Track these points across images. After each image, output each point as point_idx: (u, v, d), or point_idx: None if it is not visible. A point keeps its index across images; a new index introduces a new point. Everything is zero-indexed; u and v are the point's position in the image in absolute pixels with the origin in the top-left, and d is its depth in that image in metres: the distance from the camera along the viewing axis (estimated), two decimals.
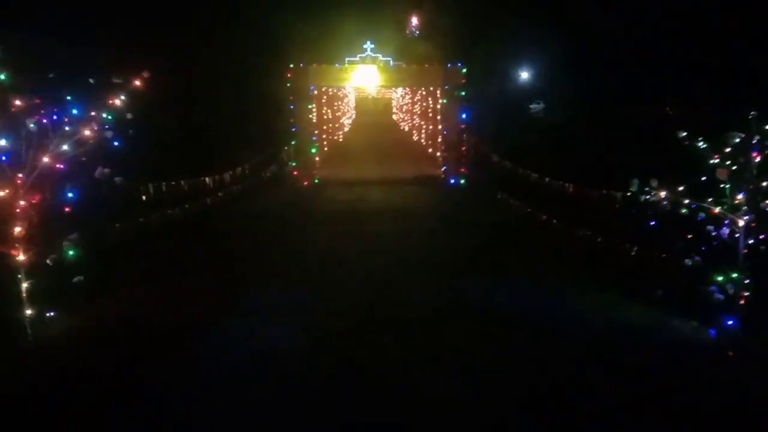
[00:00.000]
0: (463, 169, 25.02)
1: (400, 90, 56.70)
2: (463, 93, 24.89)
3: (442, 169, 25.91)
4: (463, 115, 25.09)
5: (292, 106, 24.67)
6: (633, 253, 11.96)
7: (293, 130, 25.09)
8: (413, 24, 46.72)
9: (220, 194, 19.32)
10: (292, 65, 24.26)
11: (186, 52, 21.90)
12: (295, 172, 25.15)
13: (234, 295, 11.05)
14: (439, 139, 30.61)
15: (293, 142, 25.51)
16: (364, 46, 30.37)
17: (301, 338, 9.24)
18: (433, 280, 12.00)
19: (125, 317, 9.85)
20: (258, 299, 10.90)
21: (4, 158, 8.76)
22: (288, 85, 24.41)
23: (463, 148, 25.18)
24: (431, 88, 32.17)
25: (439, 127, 30.65)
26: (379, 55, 27.06)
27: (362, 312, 10.31)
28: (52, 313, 9.04)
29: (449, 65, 24.95)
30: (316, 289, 11.40)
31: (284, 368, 8.33)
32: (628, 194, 10.04)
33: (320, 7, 35.34)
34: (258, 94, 27.27)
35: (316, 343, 9.13)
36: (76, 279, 8.96)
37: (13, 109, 8.85)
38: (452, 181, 24.89)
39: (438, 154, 30.90)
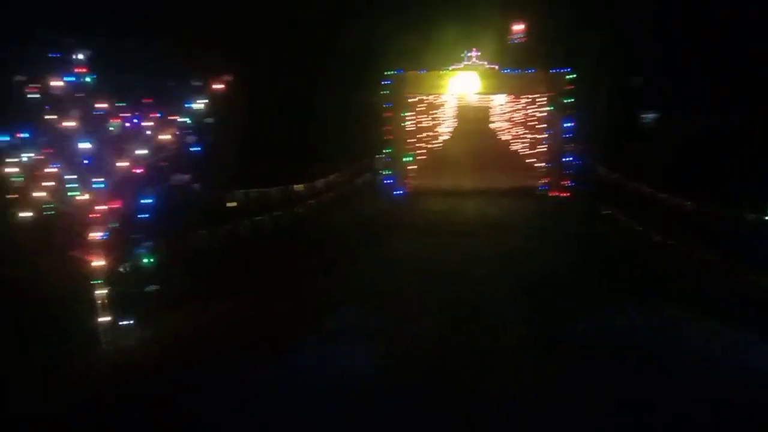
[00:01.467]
0: (565, 181, 23.44)
1: (501, 98, 55.21)
2: (568, 100, 23.35)
3: (543, 180, 24.43)
4: (568, 124, 23.52)
5: (388, 114, 24.09)
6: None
7: (388, 138, 24.51)
8: (515, 30, 45.18)
9: (311, 202, 19.00)
10: (388, 72, 23.69)
11: (278, 58, 21.84)
12: (388, 181, 24.56)
13: (317, 312, 10.39)
14: (540, 149, 29.14)
15: (388, 151, 24.93)
16: (463, 54, 29.42)
17: (384, 365, 8.40)
18: (530, 303, 10.84)
19: (198, 331, 9.41)
20: (342, 317, 10.18)
21: (86, 162, 8.59)
22: (384, 92, 23.87)
23: (567, 159, 23.59)
24: (533, 96, 30.76)
25: (540, 136, 29.22)
26: (482, 63, 26.07)
27: (452, 337, 9.32)
28: (124, 323, 8.75)
29: (553, 71, 23.51)
30: (404, 309, 10.52)
31: (363, 399, 7.50)
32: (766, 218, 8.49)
33: (419, 14, 34.75)
34: (353, 101, 26.95)
35: (401, 371, 8.24)
36: (148, 288, 8.63)
37: (95, 113, 8.69)
38: (554, 194, 23.37)
39: (538, 164, 29.39)
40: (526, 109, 34.15)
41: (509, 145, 43.40)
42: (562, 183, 23.41)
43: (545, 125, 25.85)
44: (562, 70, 23.36)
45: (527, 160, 33.08)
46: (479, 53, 29.12)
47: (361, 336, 9.41)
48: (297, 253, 14.23)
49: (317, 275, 12.57)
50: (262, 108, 19.04)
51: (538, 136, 29.94)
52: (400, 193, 23.88)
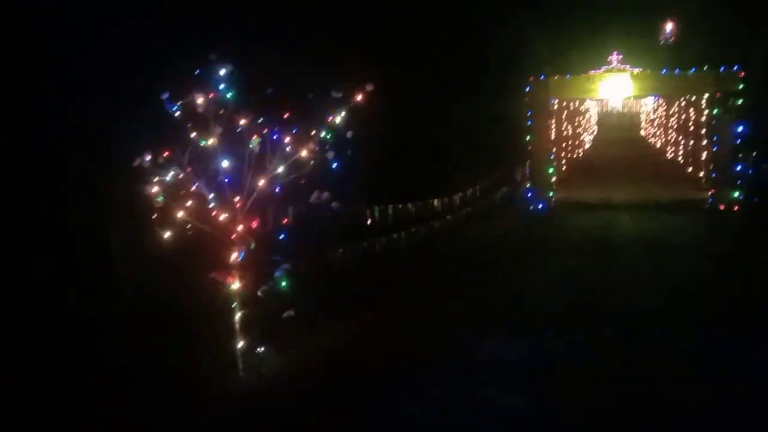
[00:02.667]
0: (737, 194, 20.68)
1: (649, 102, 51.26)
2: (740, 102, 20.62)
3: (710, 193, 21.77)
4: (740, 129, 20.74)
5: (529, 122, 22.67)
6: None
7: (528, 148, 23.07)
8: (668, 30, 41.66)
9: (448, 217, 18.15)
10: (532, 77, 22.29)
11: (416, 65, 21.23)
12: (529, 194, 23.12)
13: (458, 338, 9.43)
14: (704, 157, 26.20)
15: (528, 162, 23.51)
16: (610, 58, 27.35)
17: (545, 409, 7.26)
18: (705, 347, 8.97)
19: (335, 355, 8.81)
20: (485, 345, 9.13)
21: (226, 180, 8.30)
22: (526, 99, 22.50)
23: (738, 168, 20.81)
24: (693, 98, 27.82)
25: (704, 142, 26.28)
26: (627, 66, 24.04)
27: (610, 390, 7.84)
28: (262, 349, 8.33)
29: (722, 69, 20.88)
30: (546, 344, 9.21)
31: None
32: None
33: (558, 16, 32.94)
34: (491, 109, 25.79)
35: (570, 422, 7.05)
36: (286, 314, 8.16)
37: (237, 129, 8.39)
38: (723, 207, 20.70)
39: (702, 174, 26.43)
40: (685, 113, 31.09)
41: (664, 153, 40.00)
42: (732, 196, 20.66)
43: (710, 131, 23.09)
44: (733, 69, 20.67)
45: (687, 170, 30.06)
46: (621, 56, 26.96)
47: (510, 369, 8.32)
48: (434, 271, 13.39)
49: (456, 295, 11.65)
50: (400, 119, 18.52)
51: (700, 143, 27.04)
52: (541, 207, 22.33)
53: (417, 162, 18.34)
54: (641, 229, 17.95)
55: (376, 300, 10.99)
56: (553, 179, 23.53)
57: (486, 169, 23.00)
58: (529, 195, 23.02)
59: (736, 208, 20.41)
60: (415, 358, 8.62)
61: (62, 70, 10.75)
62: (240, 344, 8.34)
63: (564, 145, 30.81)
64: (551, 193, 23.05)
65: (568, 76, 22.56)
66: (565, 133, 31.08)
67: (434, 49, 25.27)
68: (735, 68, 20.69)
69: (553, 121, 23.92)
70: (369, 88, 8.37)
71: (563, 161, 29.96)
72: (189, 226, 8.30)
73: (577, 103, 33.97)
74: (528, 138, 22.76)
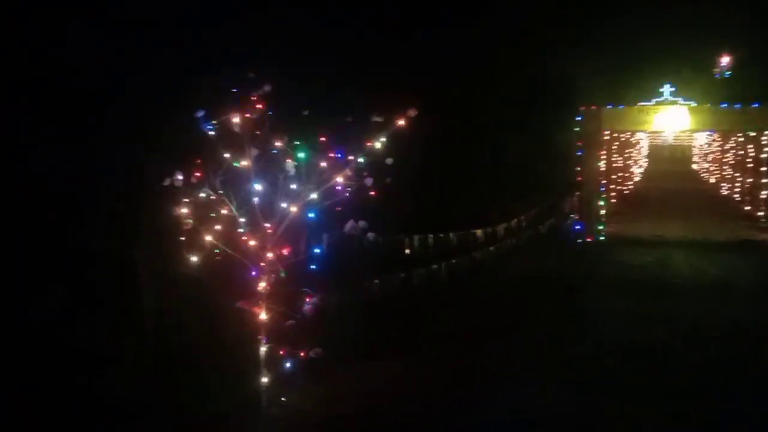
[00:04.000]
0: None
1: (702, 136, 49.51)
2: None
3: None
4: None
5: (579, 153, 21.81)
6: None
7: (578, 179, 22.17)
8: (723, 63, 40.26)
9: (491, 248, 17.38)
10: (583, 107, 21.48)
11: (460, 93, 20.67)
12: (577, 227, 22.16)
13: (496, 389, 8.63)
14: (765, 195, 24.84)
15: (577, 193, 22.58)
16: (661, 90, 26.48)
17: None
18: None
19: (358, 402, 8.09)
20: (528, 400, 8.30)
21: (256, 204, 7.87)
22: (576, 129, 21.68)
23: None
24: (752, 134, 26.51)
25: (764, 180, 24.94)
26: (679, 99, 23.07)
27: None
28: (284, 387, 7.77)
29: None
30: (610, 399, 8.35)
31: None
32: None
33: (611, 47, 32.10)
34: (539, 139, 25.02)
35: None
36: (313, 352, 7.60)
37: (273, 151, 7.98)
38: None
39: (761, 213, 25.03)
40: (743, 149, 29.69)
41: (718, 188, 38.34)
42: None
43: None
44: None
45: (744, 208, 28.60)
46: (674, 88, 26.06)
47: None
48: (473, 309, 12.65)
49: (495, 337, 10.88)
50: (444, 147, 17.96)
51: (759, 180, 25.68)
52: (590, 242, 21.34)
53: (460, 191, 17.69)
54: (699, 270, 16.82)
55: (411, 340, 10.30)
56: (603, 212, 22.52)
57: (534, 199, 22.14)
58: (578, 227, 22.08)
59: None
60: (448, 411, 7.89)
61: (94, 85, 10.59)
62: (264, 380, 7.82)
63: (614, 177, 29.75)
64: (601, 227, 22.04)
65: (621, 107, 21.67)
66: (615, 164, 30.03)
67: (485, 76, 24.78)
68: None
69: (604, 152, 23.00)
70: (412, 113, 7.85)
71: (613, 194, 28.90)
72: (217, 251, 7.89)
73: (628, 135, 32.88)
74: (578, 169, 21.88)
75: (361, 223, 8.15)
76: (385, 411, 7.75)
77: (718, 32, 33.77)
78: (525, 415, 7.77)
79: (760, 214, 25.14)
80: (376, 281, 11.64)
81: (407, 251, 13.53)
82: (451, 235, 15.37)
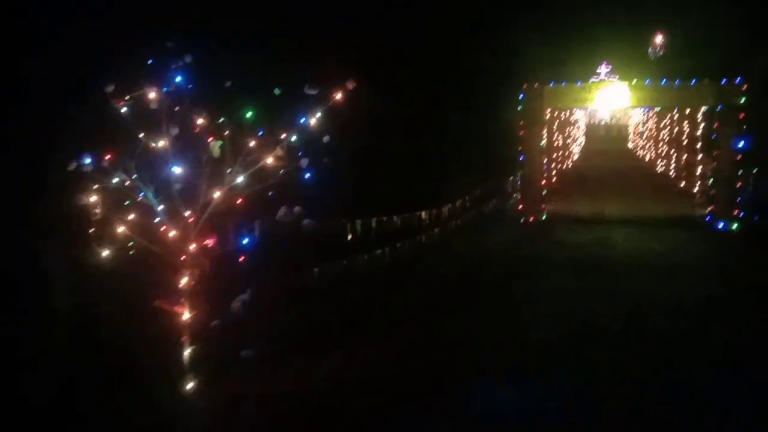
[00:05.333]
0: (736, 211, 19.72)
1: (637, 114, 50.64)
2: (742, 115, 19.67)
3: (708, 209, 20.81)
4: (741, 143, 19.79)
5: (521, 132, 21.57)
6: None
7: (520, 158, 21.96)
8: (658, 42, 41.07)
9: (436, 230, 16.92)
10: (525, 85, 21.20)
11: (399, 71, 19.96)
12: (520, 206, 22.01)
13: (444, 382, 8.07)
14: (699, 172, 25.34)
15: (519, 172, 22.41)
16: (599, 69, 26.57)
17: None
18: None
19: (302, 399, 7.37)
20: (479, 391, 7.77)
21: (177, 190, 7.00)
22: (519, 108, 21.40)
23: (739, 185, 19.85)
24: (687, 111, 27.00)
25: (699, 157, 25.43)
26: (616, 77, 23.24)
27: None
28: (213, 391, 6.98)
29: (724, 81, 19.93)
30: (541, 391, 7.88)
31: None
32: None
33: (550, 26, 32.13)
34: (482, 118, 24.70)
35: None
36: (244, 353, 6.84)
37: (191, 131, 7.11)
38: (721, 225, 19.72)
39: (696, 190, 25.55)
40: (678, 126, 30.27)
41: (654, 166, 39.21)
42: (732, 213, 19.68)
43: (708, 144, 22.19)
44: (735, 81, 19.74)
45: (680, 185, 29.20)
46: (611, 66, 26.23)
47: (510, 421, 7.04)
48: (418, 294, 12.11)
49: (443, 324, 10.37)
50: (384, 125, 17.23)
51: (695, 157, 26.20)
52: (533, 221, 21.23)
53: (404, 172, 17.09)
54: (638, 247, 16.86)
55: (354, 330, 9.63)
56: (545, 191, 22.45)
57: (476, 179, 21.81)
58: (520, 207, 21.95)
59: (735, 226, 19.44)
60: (396, 405, 7.30)
61: None
62: (189, 386, 7.03)
63: (555, 155, 29.85)
64: (542, 205, 21.97)
65: (563, 84, 21.52)
66: (556, 143, 30.13)
67: (424, 54, 24.14)
68: (737, 81, 19.77)
69: (546, 130, 22.87)
70: (350, 86, 7.11)
71: (554, 172, 28.99)
72: (132, 243, 7.00)
73: (567, 113, 33.08)
74: (520, 148, 21.66)
75: (297, 209, 7.40)
76: (324, 406, 7.07)
77: (654, 13, 34.30)
78: (476, 407, 7.26)
79: (695, 190, 25.67)
80: (316, 270, 10.91)
81: (349, 237, 12.85)
82: (394, 218, 14.79)
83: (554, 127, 28.38)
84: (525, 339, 9.59)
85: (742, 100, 19.61)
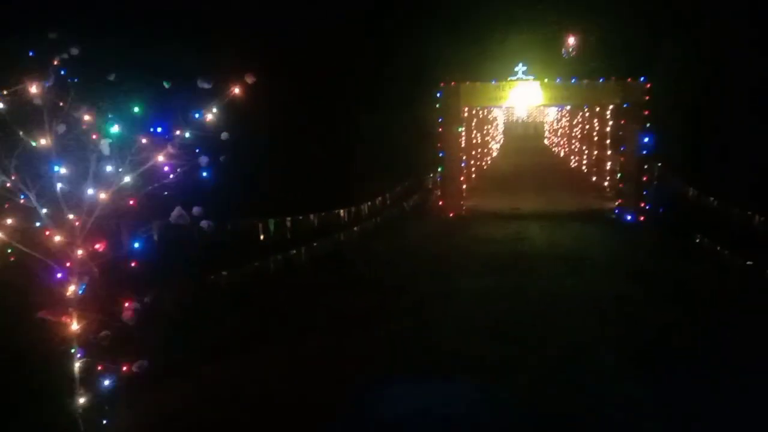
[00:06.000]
0: (642, 204, 20.61)
1: (552, 112, 52.39)
2: (646, 112, 20.57)
3: (616, 203, 21.65)
4: (645, 139, 20.69)
5: (439, 129, 21.75)
6: None
7: (440, 155, 22.15)
8: (571, 43, 42.53)
9: (355, 228, 16.75)
10: (442, 83, 21.37)
11: (313, 65, 19.54)
12: (440, 203, 22.19)
13: (357, 387, 7.89)
14: (609, 167, 26.39)
15: (439, 169, 22.59)
16: (516, 69, 27.23)
17: None
18: (657, 391, 7.97)
19: (196, 415, 7.00)
20: (392, 395, 7.64)
21: (59, 186, 6.46)
22: (437, 105, 21.56)
23: (644, 179, 20.76)
24: (597, 109, 28.07)
25: (609, 152, 26.49)
26: (531, 77, 23.83)
27: None
28: (101, 407, 6.51)
29: (629, 80, 20.79)
30: (462, 391, 7.89)
31: None
32: None
33: (467, 26, 32.60)
34: (401, 115, 24.70)
35: None
36: (137, 365, 6.40)
37: (75, 127, 6.59)
38: (628, 217, 20.57)
39: (606, 184, 26.61)
40: (589, 124, 31.45)
41: (568, 161, 40.61)
42: (639, 206, 20.55)
43: (615, 141, 23.14)
44: (639, 80, 20.63)
45: (591, 179, 30.33)
46: (525, 67, 26.96)
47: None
48: (335, 294, 11.92)
49: (357, 325, 10.22)
50: (293, 121, 16.81)
51: (605, 153, 27.27)
52: (452, 216, 21.46)
53: (319, 170, 16.78)
54: (552, 242, 17.30)
55: (262, 337, 9.30)
56: (464, 187, 22.73)
57: (398, 176, 21.80)
58: (440, 203, 22.13)
59: (642, 218, 20.31)
60: (304, 415, 7.06)
61: None
62: (81, 400, 6.52)
63: (473, 152, 30.35)
64: (461, 202, 22.24)
65: (478, 83, 21.86)
66: (474, 140, 30.63)
67: (341, 49, 23.87)
68: (641, 79, 20.68)
69: (463, 128, 23.18)
70: (249, 80, 6.78)
71: (473, 169, 29.46)
72: (10, 250, 6.43)
73: (485, 112, 33.73)
74: (439, 145, 21.83)
75: (195, 210, 7.00)
76: (225, 422, 6.73)
77: (567, 14, 35.45)
78: (379, 413, 7.11)
79: (605, 184, 26.71)
80: (224, 273, 10.47)
81: (262, 237, 12.45)
82: (311, 216, 14.48)
83: (473, 124, 28.87)
84: (433, 339, 9.55)
85: (646, 98, 20.48)
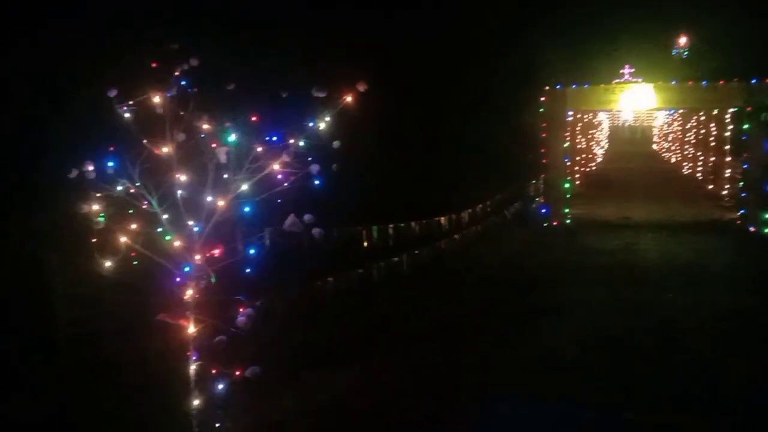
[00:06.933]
0: None
1: (661, 116, 49.55)
2: None
3: (739, 213, 20.06)
4: None
5: (543, 135, 21.03)
6: None
7: (543, 162, 21.42)
8: (682, 43, 40.16)
9: (456, 236, 16.46)
10: (547, 88, 20.67)
11: (417, 74, 19.40)
12: (543, 211, 21.45)
13: (459, 410, 7.56)
14: (728, 174, 24.58)
15: (542, 176, 21.85)
16: (622, 71, 26.02)
17: None
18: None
19: (304, 427, 6.90)
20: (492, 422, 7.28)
21: (179, 193, 6.66)
22: (541, 110, 20.86)
23: None
24: (714, 112, 26.20)
25: (728, 159, 24.68)
26: (639, 79, 22.63)
27: None
28: (217, 412, 6.62)
29: (754, 81, 19.21)
30: (578, 414, 7.41)
31: None
32: None
33: (572, 29, 31.51)
34: (504, 121, 24.17)
35: None
36: (249, 371, 6.47)
37: (196, 136, 6.78)
38: (752, 228, 18.98)
39: (725, 192, 24.76)
40: (705, 128, 29.45)
41: (680, 168, 38.25)
42: (764, 217, 18.91)
43: (736, 146, 21.47)
44: (765, 81, 19.00)
45: (708, 187, 28.38)
46: (633, 69, 25.65)
47: None
48: (438, 303, 11.69)
49: (461, 336, 9.93)
50: (399, 129, 16.75)
51: (723, 159, 25.44)
52: (556, 225, 20.67)
53: (422, 177, 16.59)
54: (668, 253, 16.20)
55: (370, 344, 9.20)
56: (569, 195, 21.86)
57: (498, 183, 21.30)
58: (543, 211, 21.39)
59: (767, 230, 18.68)
60: (414, 428, 6.86)
61: None
62: (196, 402, 6.68)
63: (578, 158, 29.24)
64: (567, 210, 21.38)
65: (586, 86, 20.95)
66: (579, 146, 29.51)
67: (444, 57, 23.67)
68: None
69: (568, 133, 22.30)
70: (361, 88, 6.71)
71: (577, 175, 28.36)
72: (134, 254, 6.69)
73: (590, 115, 32.41)
74: (542, 151, 21.11)
75: (307, 217, 7.02)
76: None
77: (677, 13, 33.57)
78: (494, 428, 6.80)
79: (724, 192, 24.88)
80: (330, 279, 10.52)
81: (365, 244, 12.44)
82: (413, 224, 14.35)
83: (577, 129, 27.80)
84: (548, 355, 9.11)
85: None
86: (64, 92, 8.44)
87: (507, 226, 20.05)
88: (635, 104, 21.03)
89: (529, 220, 21.25)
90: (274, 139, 6.77)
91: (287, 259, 8.44)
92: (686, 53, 39.25)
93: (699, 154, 31.81)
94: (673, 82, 20.62)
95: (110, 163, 6.77)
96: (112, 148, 6.92)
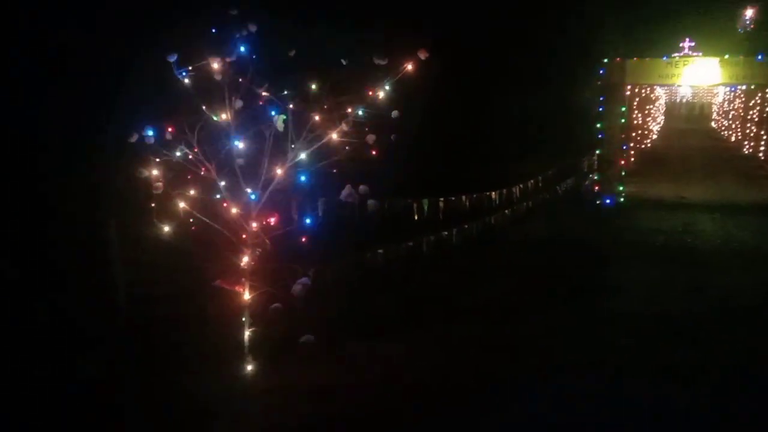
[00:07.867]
0: None
1: (722, 92, 47.44)
2: None
3: None
4: None
5: (600, 108, 20.34)
6: None
7: (599, 137, 20.76)
8: (748, 16, 38.17)
9: (506, 212, 16.17)
10: (606, 60, 19.92)
11: (472, 45, 18.93)
12: (596, 188, 20.87)
13: (505, 386, 7.41)
14: None
15: (598, 152, 21.21)
16: (682, 44, 24.86)
17: None
18: None
19: (357, 395, 6.86)
20: (539, 395, 7.13)
21: (238, 161, 6.69)
22: (598, 83, 20.15)
23: None
24: None
25: None
26: (699, 54, 21.56)
27: None
28: (269, 376, 6.68)
29: None
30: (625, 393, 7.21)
31: None
32: None
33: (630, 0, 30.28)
34: (558, 93, 23.52)
35: None
36: (304, 339, 6.51)
37: (259, 102, 6.78)
38: None
39: None
40: None
41: (740, 147, 36.69)
42: None
43: None
44: None
45: None
46: (693, 43, 24.47)
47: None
48: (487, 279, 11.52)
49: (510, 313, 9.76)
50: (453, 101, 16.45)
51: None
52: (610, 203, 20.09)
53: (474, 149, 16.30)
54: (730, 237, 15.56)
55: (417, 317, 9.12)
56: (623, 172, 21.20)
57: (552, 158, 20.79)
58: (597, 188, 20.81)
59: None
60: (457, 408, 6.77)
61: (44, 28, 9.06)
62: (249, 367, 6.79)
63: (634, 134, 28.30)
64: (621, 188, 20.76)
65: (647, 59, 20.10)
66: (635, 121, 28.54)
67: (502, 28, 23.08)
68: None
69: (626, 107, 21.51)
70: (422, 55, 6.56)
71: (632, 152, 27.49)
72: (192, 220, 6.78)
73: (647, 90, 31.23)
74: (598, 125, 20.44)
75: (362, 188, 6.98)
76: (383, 406, 6.65)
77: None
78: (549, 420, 6.67)
79: None
80: (380, 251, 10.49)
81: (415, 217, 12.34)
82: (463, 198, 14.14)
83: (634, 105, 26.85)
84: (606, 338, 8.89)
85: None
86: (125, 59, 8.54)
87: (559, 202, 19.60)
88: (698, 79, 20.10)
89: (582, 197, 20.74)
90: (331, 108, 6.71)
91: (339, 230, 8.42)
92: (751, 27, 37.36)
93: (762, 133, 30.38)
94: (741, 57, 19.58)
95: (169, 129, 6.82)
96: (169, 116, 6.97)
